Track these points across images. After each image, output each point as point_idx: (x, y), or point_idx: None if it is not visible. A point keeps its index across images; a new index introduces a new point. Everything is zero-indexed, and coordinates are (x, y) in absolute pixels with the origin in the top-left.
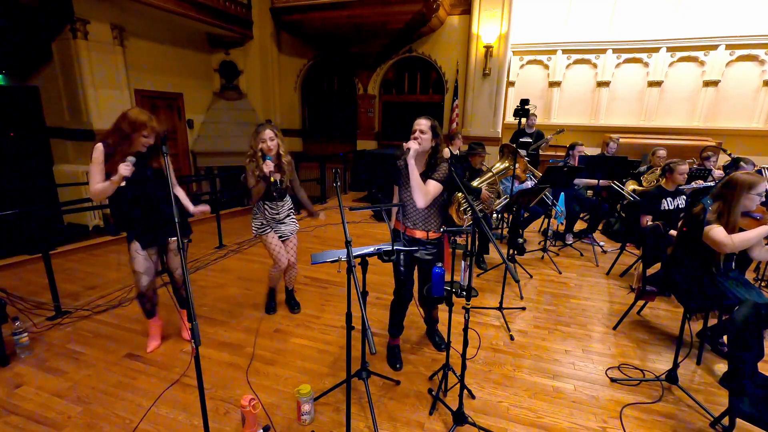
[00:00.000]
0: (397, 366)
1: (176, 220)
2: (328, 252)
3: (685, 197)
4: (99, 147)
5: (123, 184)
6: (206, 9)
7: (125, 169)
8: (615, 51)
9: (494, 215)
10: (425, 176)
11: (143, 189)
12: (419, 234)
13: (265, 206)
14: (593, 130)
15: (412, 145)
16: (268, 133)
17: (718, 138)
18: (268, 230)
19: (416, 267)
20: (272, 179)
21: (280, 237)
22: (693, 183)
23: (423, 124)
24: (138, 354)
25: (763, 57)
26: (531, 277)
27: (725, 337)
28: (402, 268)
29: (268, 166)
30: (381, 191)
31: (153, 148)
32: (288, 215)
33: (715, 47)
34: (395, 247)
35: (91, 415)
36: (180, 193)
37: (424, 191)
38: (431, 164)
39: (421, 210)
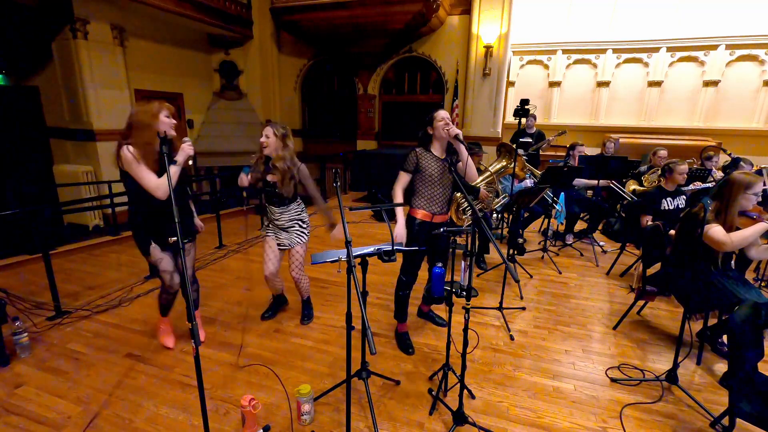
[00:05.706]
0: (410, 351)
1: (176, 220)
2: (328, 252)
3: (685, 197)
4: (129, 150)
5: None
6: (206, 9)
7: (190, 148)
8: (615, 51)
9: (494, 215)
10: (452, 157)
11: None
12: (443, 218)
13: (269, 208)
14: (593, 130)
15: (458, 130)
16: (266, 129)
17: (718, 138)
18: (270, 234)
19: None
20: (270, 182)
21: (278, 245)
22: (691, 185)
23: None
24: (138, 354)
25: (763, 57)
26: (531, 277)
27: (725, 337)
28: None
29: (242, 181)
30: (381, 191)
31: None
32: (292, 225)
33: (715, 47)
34: (395, 247)
35: (91, 415)
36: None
37: (472, 164)
38: (451, 149)
39: (445, 195)
